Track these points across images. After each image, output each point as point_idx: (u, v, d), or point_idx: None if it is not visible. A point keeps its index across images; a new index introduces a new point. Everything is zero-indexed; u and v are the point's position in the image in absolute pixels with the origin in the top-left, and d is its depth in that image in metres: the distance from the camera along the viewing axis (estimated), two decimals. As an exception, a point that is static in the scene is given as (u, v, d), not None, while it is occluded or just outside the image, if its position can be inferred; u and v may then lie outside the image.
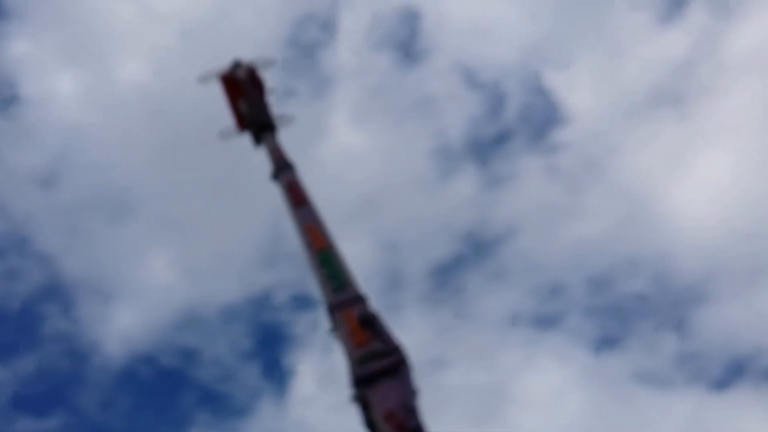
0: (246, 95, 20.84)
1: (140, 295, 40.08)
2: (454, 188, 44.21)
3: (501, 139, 45.47)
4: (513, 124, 45.64)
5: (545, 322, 42.88)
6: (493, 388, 38.78)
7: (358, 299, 12.39)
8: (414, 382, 10.67)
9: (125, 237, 40.90)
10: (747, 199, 45.18)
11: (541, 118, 45.97)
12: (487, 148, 45.49)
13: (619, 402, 41.91)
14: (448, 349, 33.75)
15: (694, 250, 43.88)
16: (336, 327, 12.17)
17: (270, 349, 40.98)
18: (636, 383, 42.36)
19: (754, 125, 45.70)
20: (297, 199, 16.52)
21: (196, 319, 39.54)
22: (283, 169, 17.86)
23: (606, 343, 42.66)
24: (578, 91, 46.83)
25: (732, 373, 42.56)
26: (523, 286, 42.92)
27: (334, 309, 12.41)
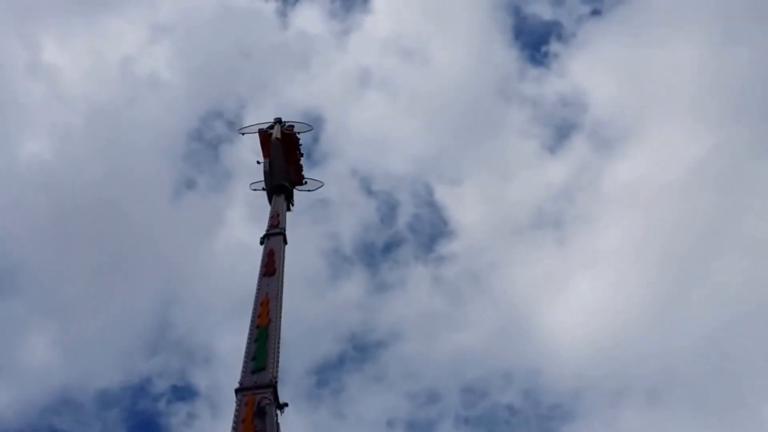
0: (272, 153, 21.83)
1: (16, 372, 40.02)
2: (343, 290, 44.51)
3: (391, 247, 47.14)
4: (403, 232, 47.40)
5: (419, 427, 43.27)
6: None
7: (268, 387, 12.94)
8: None
9: (7, 312, 40.97)
10: (614, 322, 45.38)
11: (430, 230, 47.29)
12: (377, 254, 46.90)
13: None
14: None
15: (564, 367, 44.17)
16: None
17: (143, 440, 40.98)
18: None
19: (625, 253, 47.33)
20: (269, 268, 17.13)
21: (72, 402, 39.76)
22: (273, 235, 18.77)
23: None
24: (466, 207, 48.33)
25: None
26: (400, 390, 42.97)
27: (240, 390, 12.93)
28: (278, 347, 14.36)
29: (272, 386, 12.98)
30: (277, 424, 12.26)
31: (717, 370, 45.06)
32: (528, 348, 46.18)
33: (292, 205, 22.06)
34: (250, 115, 47.96)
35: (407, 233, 47.60)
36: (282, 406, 12.97)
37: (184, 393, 41.64)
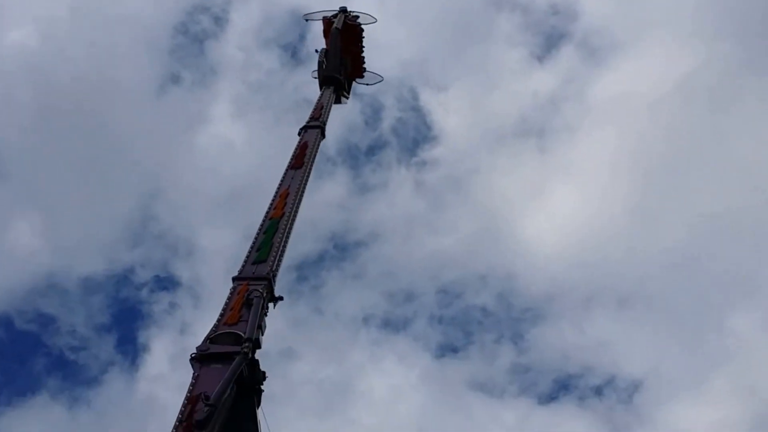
0: (330, 44, 21.72)
1: (1, 256, 40.62)
2: (325, 190, 44.71)
3: (374, 149, 47.22)
4: (387, 136, 47.30)
5: (394, 325, 44.39)
6: (338, 384, 40.30)
7: (263, 280, 12.94)
8: (231, 378, 10.69)
9: (-8, 197, 41.53)
10: (590, 231, 46.67)
11: (414, 134, 47.28)
12: (360, 156, 47.00)
13: (454, 406, 43.81)
14: (300, 342, 35.17)
15: (538, 272, 45.24)
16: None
17: (126, 325, 42.37)
18: (471, 390, 44.35)
19: (606, 164, 47.88)
20: (297, 161, 16.87)
21: (56, 287, 40.51)
22: (311, 127, 18.36)
23: (448, 350, 44.48)
24: (451, 113, 48.61)
25: (558, 388, 44.74)
26: (378, 289, 44.06)
27: (237, 278, 12.95)
28: (285, 242, 14.28)
29: (268, 279, 12.99)
30: (263, 315, 12.33)
31: (685, 280, 46.40)
32: (504, 253, 47.21)
33: (347, 97, 21.95)
34: (236, 11, 47.62)
35: (391, 136, 47.81)
36: (276, 300, 13.02)
37: (166, 283, 42.52)
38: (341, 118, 47.54)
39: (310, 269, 42.07)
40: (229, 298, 12.53)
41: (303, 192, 16.01)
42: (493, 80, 51.70)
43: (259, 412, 11.39)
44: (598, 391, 47.45)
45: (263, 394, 11.58)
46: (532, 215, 48.83)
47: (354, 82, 22.67)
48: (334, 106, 20.38)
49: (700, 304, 45.55)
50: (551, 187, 49.95)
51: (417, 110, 47.50)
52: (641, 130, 48.07)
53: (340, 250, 44.08)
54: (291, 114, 44.01)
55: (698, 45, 48.69)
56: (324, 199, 44.41)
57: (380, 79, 22.92)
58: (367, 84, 22.89)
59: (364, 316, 43.83)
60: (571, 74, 50.52)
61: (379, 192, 44.99)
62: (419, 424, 42.89)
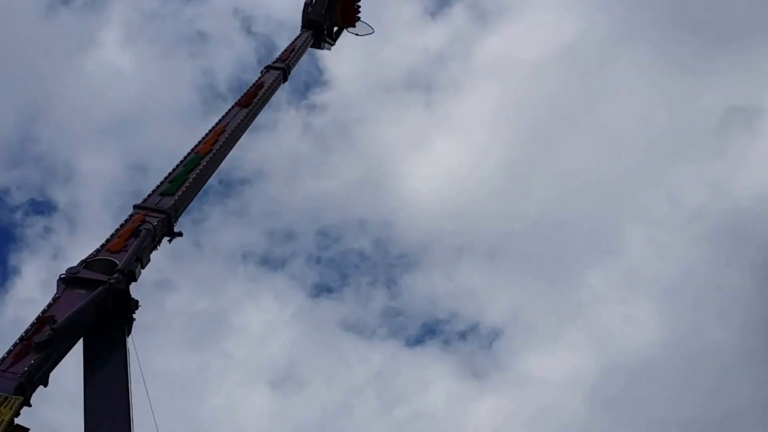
0: None
1: None
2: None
3: None
4: None
5: (272, 263, 45.39)
6: (212, 317, 41.06)
7: (162, 213, 12.65)
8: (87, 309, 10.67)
9: None
10: (466, 185, 48.40)
11: (306, 77, 46.53)
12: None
13: (325, 344, 45.33)
14: (178, 274, 35.14)
15: (415, 221, 46.67)
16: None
17: (-6, 246, 40.41)
18: (343, 330, 45.94)
19: (486, 122, 49.61)
20: (246, 99, 16.43)
21: None
22: (274, 68, 18.01)
23: (323, 290, 45.88)
24: (343, 60, 48.74)
25: (426, 332, 46.93)
26: (259, 227, 45.32)
27: (138, 206, 12.75)
28: (202, 181, 13.87)
29: (167, 214, 12.68)
30: (150, 249, 12.16)
31: (550, 236, 48.51)
32: (384, 200, 48.38)
33: (330, 44, 21.58)
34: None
35: (282, 76, 47.81)
36: (175, 235, 12.81)
37: (42, 207, 41.83)
38: (235, 54, 47.51)
39: (192, 203, 41.86)
40: (123, 223, 12.33)
41: (241, 132, 15.54)
42: (387, 32, 52.14)
43: (129, 340, 11.36)
44: (462, 336, 49.49)
45: (135, 323, 11.56)
46: (414, 166, 50.03)
47: (345, 31, 22.32)
48: (317, 51, 21.00)
49: (561, 260, 47.89)
50: (433, 141, 51.20)
51: (310, 54, 47.57)
52: (523, 92, 49.64)
53: (225, 185, 44.55)
54: (183, 47, 43.54)
55: (581, 14, 50.26)
56: (212, 134, 44.28)
57: (371, 31, 22.41)
58: (357, 34, 22.37)
59: (243, 253, 44.36)
60: (461, 33, 51.52)
61: (267, 131, 45.11)
62: (291, 360, 44.01)
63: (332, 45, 21.68)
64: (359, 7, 22.20)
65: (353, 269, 47.71)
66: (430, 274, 48.13)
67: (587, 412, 49.57)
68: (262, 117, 48.52)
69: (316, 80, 47.46)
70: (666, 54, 51.10)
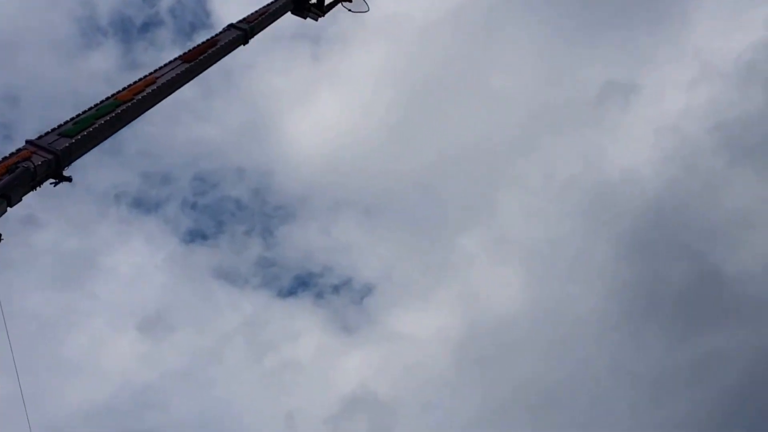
0: None
1: None
2: (92, 61, 44.87)
3: (149, 27, 48.20)
4: (164, 15, 48.20)
5: (146, 206, 44.82)
6: (81, 257, 40.11)
7: (52, 153, 11.68)
8: None
9: None
10: (348, 140, 49.71)
11: (192, 18, 48.06)
12: (133, 31, 47.61)
13: (196, 291, 45.22)
14: (46, 211, 34.69)
15: (295, 173, 47.98)
16: None
17: None
18: (215, 277, 45.91)
19: (372, 80, 50.82)
20: (192, 54, 15.24)
21: None
22: (236, 28, 16.68)
23: (197, 236, 45.67)
24: (230, 5, 47.71)
25: (299, 285, 47.45)
26: (134, 168, 44.79)
27: (30, 141, 11.81)
28: (110, 130, 12.95)
29: (56, 156, 11.78)
30: (25, 188, 11.44)
31: (427, 198, 49.44)
32: (265, 150, 48.05)
33: (318, 16, 20.18)
34: None
35: (168, 17, 46.70)
36: (63, 179, 12.04)
37: None
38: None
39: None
40: (4, 158, 11.57)
41: (174, 89, 14.44)
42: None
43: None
44: (335, 290, 49.77)
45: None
46: (297, 117, 49.85)
47: (340, 4, 20.86)
48: (299, 19, 19.39)
49: (436, 221, 48.93)
50: (319, 94, 51.02)
51: (197, -8, 45.95)
52: (410, 52, 49.97)
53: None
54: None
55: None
56: (90, 69, 42.80)
57: (366, 9, 21.10)
58: (350, 10, 21.07)
59: (117, 193, 43.21)
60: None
61: (148, 70, 44.00)
62: (161, 304, 43.42)
63: (320, 16, 20.31)
64: None
65: (229, 217, 47.23)
66: (306, 227, 48.16)
67: (454, 370, 50.89)
68: (144, 56, 47.14)
69: (203, 23, 46.42)
70: (552, 24, 52.20)
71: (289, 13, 18.86)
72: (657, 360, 44.91)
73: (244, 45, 16.68)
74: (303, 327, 49.67)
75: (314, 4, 19.76)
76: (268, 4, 17.72)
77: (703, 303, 45.12)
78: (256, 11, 17.32)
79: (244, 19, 16.93)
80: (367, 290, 50.81)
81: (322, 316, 50.87)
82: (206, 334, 46.65)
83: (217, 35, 16.13)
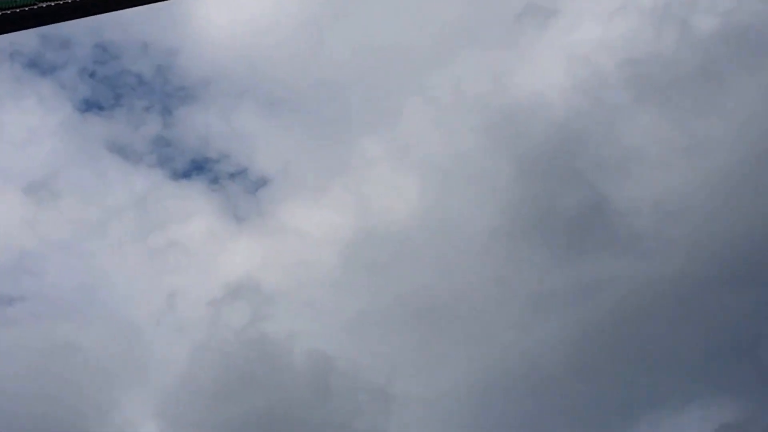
0: None
1: None
2: None
3: None
4: None
5: (42, 68, 43.04)
6: None
7: None
8: None
9: None
10: (261, 27, 49.23)
11: None
12: None
13: (89, 161, 43.99)
14: None
15: (202, 55, 47.70)
16: None
17: None
18: (109, 150, 44.73)
19: None
20: None
21: None
22: None
23: (94, 107, 44.36)
24: None
25: (194, 168, 46.78)
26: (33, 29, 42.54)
27: None
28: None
29: None
30: None
31: (334, 96, 48.96)
32: (173, 26, 46.34)
33: None
34: None
35: None
36: None
37: None
38: None
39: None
40: None
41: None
42: None
43: None
44: (231, 178, 48.99)
45: None
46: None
47: None
48: None
49: (340, 121, 48.61)
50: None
51: None
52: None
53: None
54: None
55: None
56: None
57: None
58: None
59: (12, 51, 41.15)
60: None
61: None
62: (50, 169, 41.83)
63: None
64: None
65: (129, 91, 45.62)
66: (207, 111, 47.05)
67: (341, 271, 51.09)
68: None
69: None
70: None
71: None
72: (540, 280, 46.11)
73: None
74: (194, 210, 48.84)
75: None
76: None
77: (590, 231, 46.39)
78: None
79: None
80: (263, 182, 50.18)
81: (214, 202, 50.10)
82: (93, 206, 45.39)
83: None
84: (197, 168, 47.97)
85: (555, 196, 46.49)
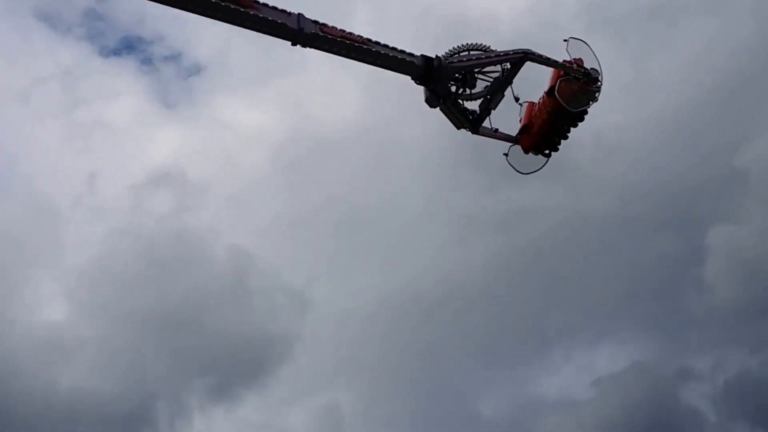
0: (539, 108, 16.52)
1: None
2: None
3: None
4: None
5: None
6: None
7: None
8: None
9: None
10: None
11: None
12: None
13: (14, 26, 41.87)
14: None
15: None
16: None
17: None
18: (36, 17, 42.77)
19: None
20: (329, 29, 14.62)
21: None
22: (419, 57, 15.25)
23: None
24: None
25: (125, 47, 45.21)
26: None
27: None
28: None
29: None
30: None
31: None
32: None
33: (460, 124, 16.48)
34: None
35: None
36: None
37: None
38: None
39: None
40: None
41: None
42: None
43: None
44: (164, 60, 47.00)
45: None
46: None
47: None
48: None
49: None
50: None
51: None
52: None
53: None
54: None
55: None
56: None
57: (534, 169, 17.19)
58: (509, 161, 17.08)
59: None
60: None
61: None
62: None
63: (464, 128, 16.60)
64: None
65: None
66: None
67: (269, 169, 49.99)
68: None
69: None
70: None
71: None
72: (471, 202, 45.53)
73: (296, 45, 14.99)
74: (122, 90, 46.99)
75: (464, 109, 16.30)
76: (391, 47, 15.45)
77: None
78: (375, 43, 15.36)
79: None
80: (197, 69, 48.26)
81: (144, 85, 48.24)
82: (17, 74, 43.31)
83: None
84: (128, 47, 45.95)
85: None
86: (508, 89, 16.27)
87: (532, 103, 16.68)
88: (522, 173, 16.78)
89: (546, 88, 16.33)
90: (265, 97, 48.29)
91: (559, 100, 16.03)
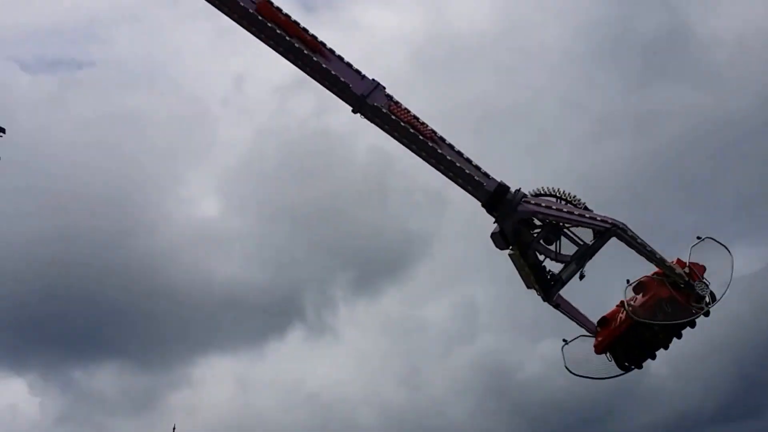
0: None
1: None
2: None
3: None
4: None
5: None
6: None
7: None
8: None
9: None
10: None
11: None
12: None
13: None
14: None
15: None
16: None
17: None
18: None
19: None
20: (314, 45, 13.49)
21: None
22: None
23: None
24: None
25: None
26: None
27: None
28: None
29: None
30: None
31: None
32: None
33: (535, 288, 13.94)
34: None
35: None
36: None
37: None
38: None
39: None
40: None
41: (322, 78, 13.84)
42: None
43: None
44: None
45: None
46: None
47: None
48: None
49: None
50: None
51: None
52: None
53: None
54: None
55: None
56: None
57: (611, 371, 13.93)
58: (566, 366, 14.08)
59: None
60: None
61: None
62: None
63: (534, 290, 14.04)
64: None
65: None
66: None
67: (408, 70, 50.81)
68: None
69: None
70: None
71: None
72: (608, 102, 45.43)
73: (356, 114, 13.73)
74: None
75: (539, 266, 13.81)
76: (465, 157, 13.74)
77: (665, 58, 45.06)
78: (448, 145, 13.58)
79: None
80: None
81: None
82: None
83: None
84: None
85: (633, 17, 44.86)
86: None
87: (648, 279, 13.72)
88: (571, 372, 13.86)
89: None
90: (403, 1, 48.74)
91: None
